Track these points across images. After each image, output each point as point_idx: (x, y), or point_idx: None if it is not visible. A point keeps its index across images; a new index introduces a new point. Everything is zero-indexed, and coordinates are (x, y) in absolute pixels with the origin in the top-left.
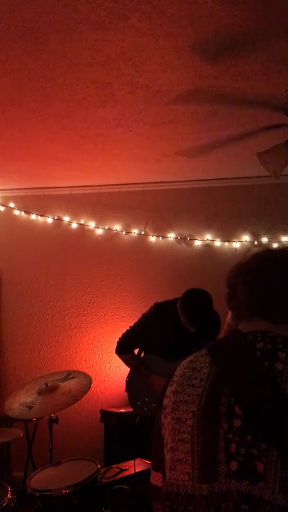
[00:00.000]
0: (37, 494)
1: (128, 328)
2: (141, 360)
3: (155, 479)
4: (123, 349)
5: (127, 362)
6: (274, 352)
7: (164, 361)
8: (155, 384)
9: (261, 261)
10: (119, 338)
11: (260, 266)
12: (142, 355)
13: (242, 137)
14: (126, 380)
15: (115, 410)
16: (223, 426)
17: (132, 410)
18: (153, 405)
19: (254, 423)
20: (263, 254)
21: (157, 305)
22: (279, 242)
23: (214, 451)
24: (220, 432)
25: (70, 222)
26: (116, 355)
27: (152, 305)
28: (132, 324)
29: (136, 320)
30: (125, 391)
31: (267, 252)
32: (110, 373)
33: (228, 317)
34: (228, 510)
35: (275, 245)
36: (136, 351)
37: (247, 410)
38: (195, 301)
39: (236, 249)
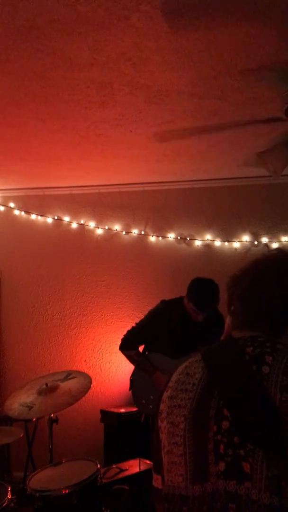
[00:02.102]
0: (37, 494)
1: (133, 325)
2: (146, 357)
3: (156, 481)
4: (129, 345)
5: (131, 359)
6: (261, 356)
7: (168, 359)
8: (160, 382)
9: (258, 276)
10: (124, 335)
11: (257, 282)
12: (146, 353)
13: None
14: (130, 379)
15: (115, 410)
16: (212, 428)
17: (132, 410)
18: (157, 405)
19: (241, 424)
20: (262, 267)
21: (164, 302)
22: (279, 242)
23: (205, 453)
24: (210, 434)
25: (70, 222)
26: (120, 351)
27: (159, 301)
28: (134, 323)
29: (136, 319)
30: (129, 390)
31: (267, 264)
32: (110, 373)
33: (228, 318)
34: (216, 510)
35: (275, 245)
36: (140, 348)
37: (234, 412)
38: (203, 285)
39: (236, 249)
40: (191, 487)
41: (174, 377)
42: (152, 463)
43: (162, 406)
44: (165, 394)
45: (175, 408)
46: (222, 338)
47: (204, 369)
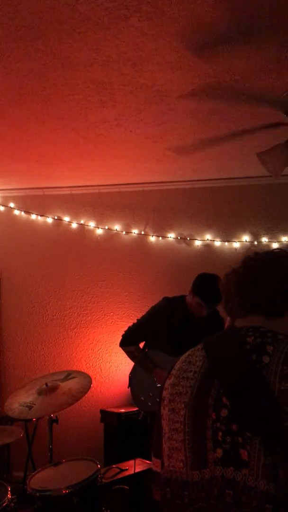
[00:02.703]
0: (37, 494)
1: (134, 321)
2: (146, 354)
3: (155, 465)
4: (129, 341)
5: (132, 355)
6: (262, 346)
7: (168, 356)
8: (160, 378)
9: (249, 263)
10: (125, 331)
11: (250, 268)
12: (146, 350)
13: (242, 137)
14: (129, 376)
15: (115, 410)
16: (211, 415)
17: (132, 410)
18: (157, 399)
19: (240, 413)
20: (251, 257)
21: (166, 299)
22: (279, 242)
23: (203, 440)
24: (208, 422)
25: (70, 222)
26: (121, 348)
27: (161, 298)
28: (135, 321)
29: (135, 319)
30: (128, 387)
31: (255, 255)
32: (110, 373)
33: (228, 319)
34: (214, 495)
35: (275, 245)
36: (141, 345)
37: (233, 400)
38: (209, 280)
39: (236, 249)
40: (191, 473)
41: (177, 365)
42: (152, 448)
43: (164, 393)
44: (168, 382)
45: (176, 395)
46: None
47: (205, 357)
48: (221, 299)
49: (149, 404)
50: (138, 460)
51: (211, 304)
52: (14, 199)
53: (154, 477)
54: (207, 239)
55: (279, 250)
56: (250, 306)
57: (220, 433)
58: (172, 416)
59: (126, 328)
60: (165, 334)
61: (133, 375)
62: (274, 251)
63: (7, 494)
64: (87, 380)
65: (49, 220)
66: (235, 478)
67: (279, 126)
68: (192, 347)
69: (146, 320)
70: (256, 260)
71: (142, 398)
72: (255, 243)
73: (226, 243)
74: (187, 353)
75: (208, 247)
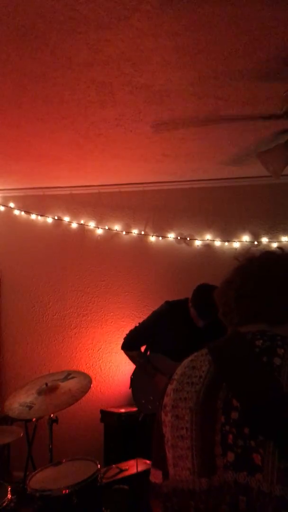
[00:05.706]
0: (37, 494)
1: (136, 325)
2: (148, 359)
3: (155, 476)
4: (130, 344)
5: (133, 359)
6: (272, 348)
7: (170, 361)
8: (161, 384)
9: (245, 273)
10: (127, 334)
11: (246, 278)
12: (148, 353)
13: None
14: (131, 377)
15: (115, 410)
16: (220, 419)
17: (132, 410)
18: (158, 403)
19: (251, 415)
20: (246, 266)
21: (168, 303)
22: (279, 242)
23: (212, 445)
24: (217, 426)
25: (70, 222)
26: (122, 350)
27: (163, 302)
28: (134, 323)
29: (136, 319)
30: (129, 388)
31: (250, 262)
32: (110, 373)
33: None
34: (226, 502)
35: (275, 245)
36: (142, 349)
37: (245, 402)
38: (208, 293)
39: (236, 249)
40: (198, 481)
41: (179, 371)
42: (151, 457)
43: (166, 400)
44: (170, 387)
45: (180, 401)
46: None
47: (211, 362)
48: (216, 315)
49: (149, 407)
50: (138, 460)
51: (206, 319)
52: (14, 199)
53: (154, 490)
54: (207, 239)
55: (273, 256)
56: (251, 316)
57: (230, 436)
58: (176, 422)
59: (126, 329)
60: (166, 338)
61: (135, 377)
62: (267, 257)
63: (7, 494)
64: (87, 380)
65: (49, 220)
66: (248, 484)
67: (279, 127)
68: (194, 350)
69: (147, 324)
70: (252, 269)
71: (143, 401)
72: (255, 243)
73: (226, 243)
74: (189, 358)
75: (208, 247)
